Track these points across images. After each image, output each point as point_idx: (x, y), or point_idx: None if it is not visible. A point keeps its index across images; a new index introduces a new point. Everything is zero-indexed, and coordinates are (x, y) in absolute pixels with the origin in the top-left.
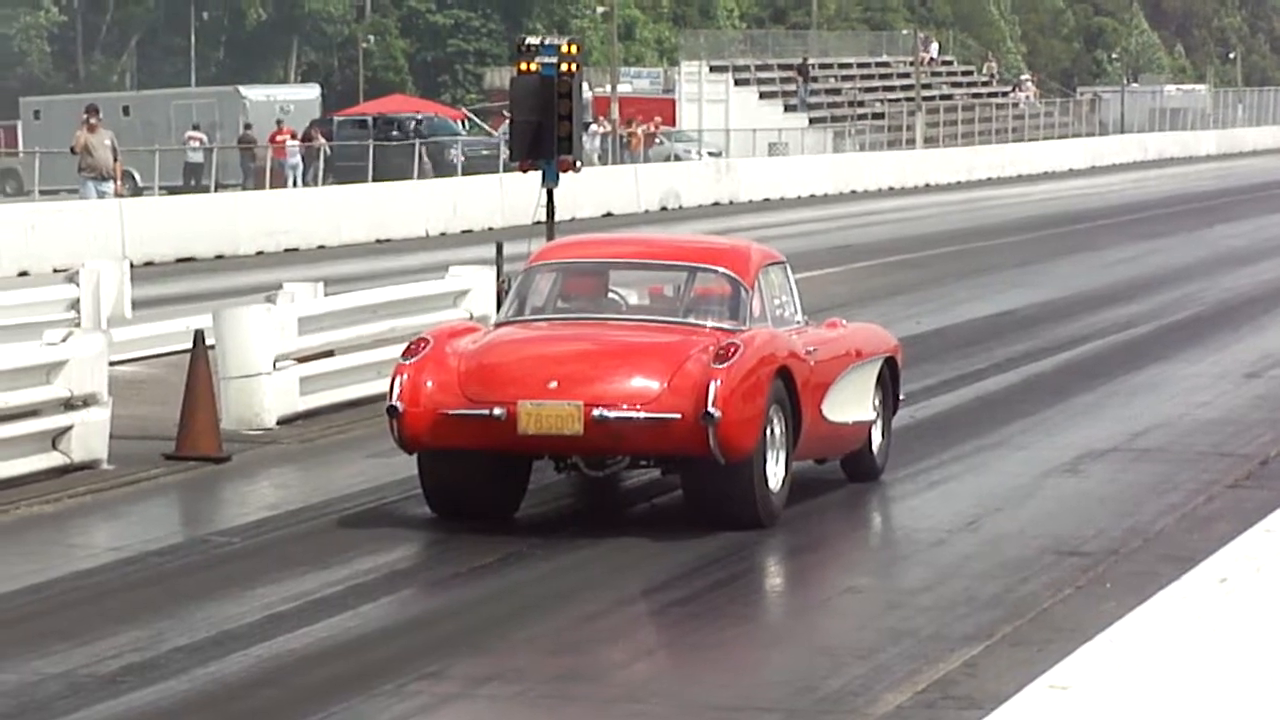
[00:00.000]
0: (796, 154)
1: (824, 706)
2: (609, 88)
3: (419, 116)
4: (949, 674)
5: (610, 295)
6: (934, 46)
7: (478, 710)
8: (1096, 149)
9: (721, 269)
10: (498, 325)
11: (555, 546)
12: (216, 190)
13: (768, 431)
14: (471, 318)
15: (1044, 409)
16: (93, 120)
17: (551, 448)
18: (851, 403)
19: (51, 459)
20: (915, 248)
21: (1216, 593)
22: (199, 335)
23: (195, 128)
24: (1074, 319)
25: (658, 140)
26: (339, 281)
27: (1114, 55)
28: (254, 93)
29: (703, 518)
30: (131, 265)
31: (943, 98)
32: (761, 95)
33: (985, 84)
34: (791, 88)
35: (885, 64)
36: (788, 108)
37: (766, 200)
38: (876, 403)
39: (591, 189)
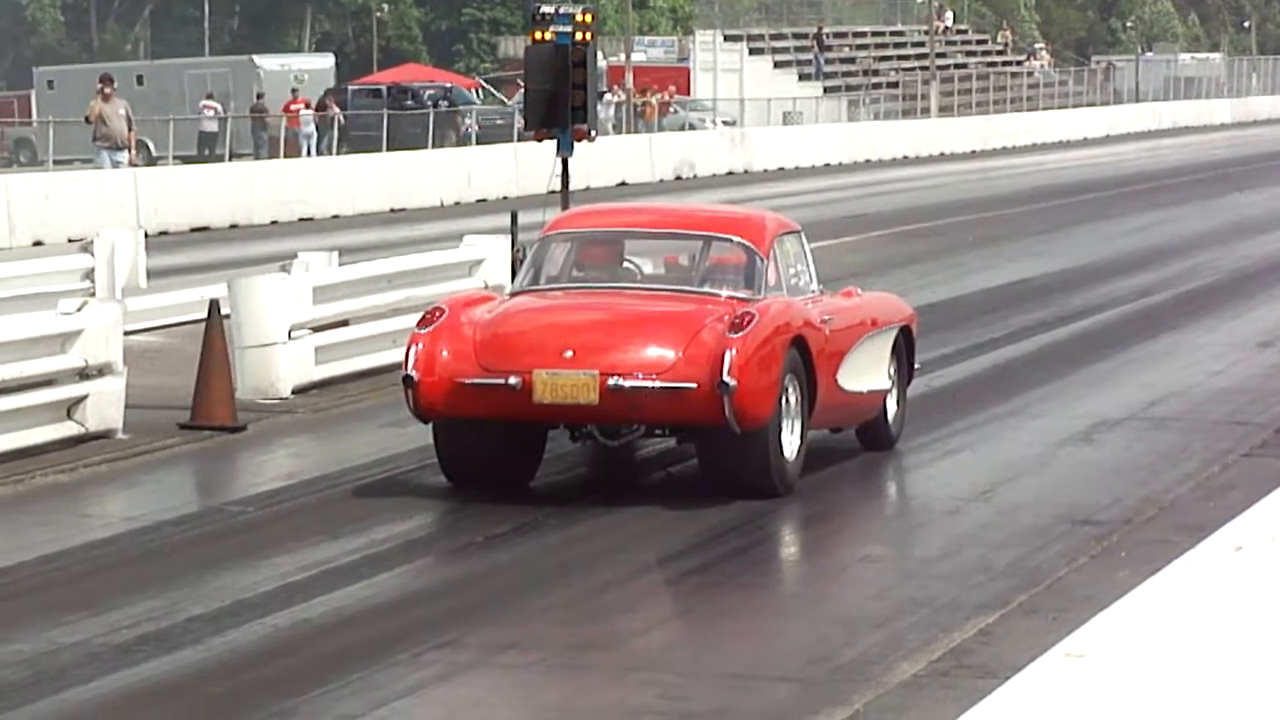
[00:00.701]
0: (811, 123)
1: (840, 675)
2: (623, 57)
3: (447, 86)
4: (964, 643)
5: (625, 264)
6: (949, 15)
7: (494, 679)
8: (1111, 118)
9: (737, 238)
10: (513, 294)
11: (571, 515)
12: (231, 160)
13: (783, 400)
14: (486, 287)
15: (1059, 378)
16: (107, 90)
17: (567, 417)
18: (867, 371)
19: (66, 428)
20: (930, 216)
21: (1232, 561)
22: (214, 305)
23: (209, 97)
24: (1089, 288)
25: (672, 109)
26: (354, 251)
27: (1128, 24)
28: (268, 62)
29: (718, 487)
30: (146, 235)
31: (957, 66)
32: (776, 64)
33: (1000, 53)
34: (806, 56)
35: (900, 33)
36: (802, 77)
37: (781, 169)
38: (892, 371)
39: (606, 158)
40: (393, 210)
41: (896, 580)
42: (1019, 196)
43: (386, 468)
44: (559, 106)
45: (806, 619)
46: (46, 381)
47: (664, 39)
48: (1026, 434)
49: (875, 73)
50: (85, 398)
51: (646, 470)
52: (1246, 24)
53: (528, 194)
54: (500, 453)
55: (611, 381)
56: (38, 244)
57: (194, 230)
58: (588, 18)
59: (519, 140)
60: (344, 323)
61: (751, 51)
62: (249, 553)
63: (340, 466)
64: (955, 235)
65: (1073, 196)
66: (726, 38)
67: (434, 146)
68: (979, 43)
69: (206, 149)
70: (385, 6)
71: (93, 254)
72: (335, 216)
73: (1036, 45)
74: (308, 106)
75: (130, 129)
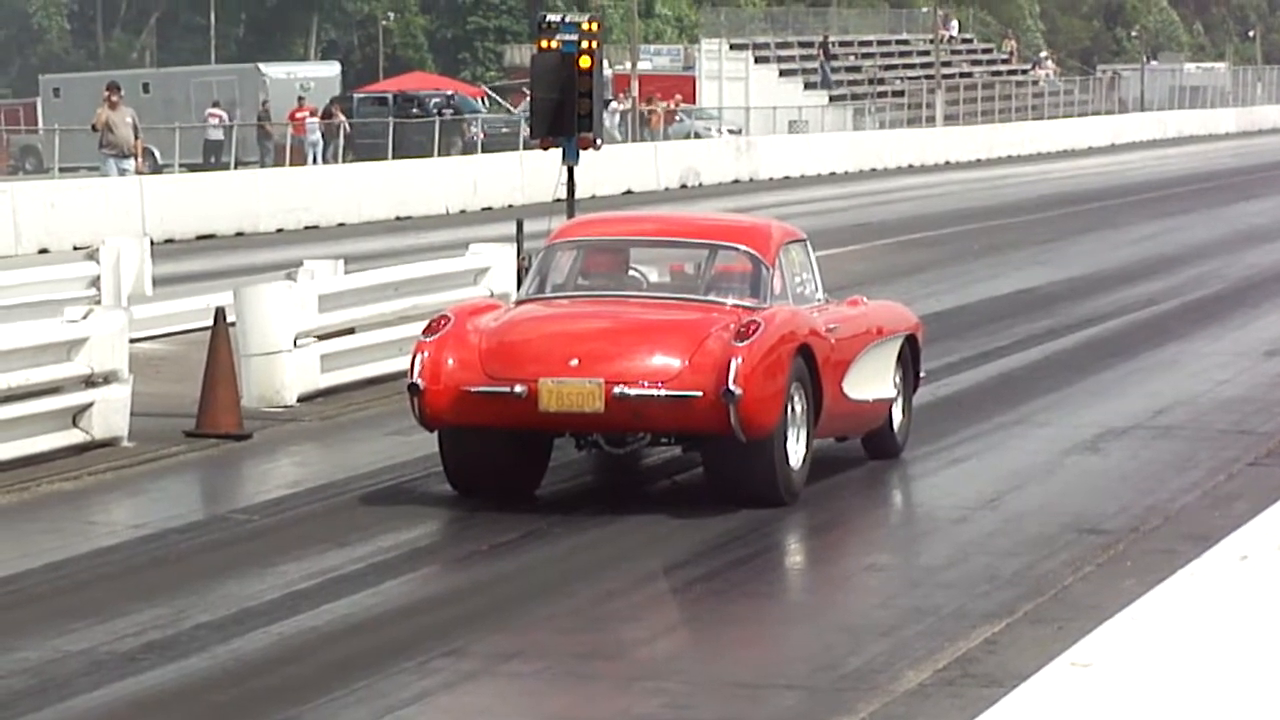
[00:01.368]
0: (816, 131)
1: (845, 684)
2: (629, 65)
3: (449, 94)
4: (970, 651)
5: (631, 273)
6: (954, 24)
7: (499, 687)
8: (1116, 127)
9: (742, 247)
10: (518, 303)
11: (576, 524)
12: (236, 168)
13: (788, 409)
14: (492, 295)
15: (1065, 386)
16: (114, 97)
17: (573, 425)
18: (872, 380)
19: (72, 436)
20: (935, 225)
21: (1237, 570)
22: (220, 312)
23: (215, 105)
24: (1094, 297)
25: (678, 118)
26: (359, 259)
27: (1133, 33)
28: (274, 70)
29: (724, 495)
30: (152, 242)
31: (962, 75)
32: (782, 73)
33: (1005, 62)
34: (812, 65)
35: (905, 42)
36: (808, 85)
37: (786, 178)
38: (897, 380)
39: (612, 167)
40: (398, 218)
41: (902, 589)
42: (1024, 205)
43: (392, 476)
44: (565, 115)
45: (812, 627)
46: (52, 389)
47: (670, 47)
48: (1032, 443)
49: (881, 81)
50: (91, 405)
51: (652, 479)
52: (1251, 33)
53: (533, 202)
54: (506, 461)
55: (617, 390)
56: (44, 251)
57: (200, 238)
58: (594, 26)
59: (525, 148)
60: (349, 331)
61: (757, 60)
62: (255, 561)
63: (346, 474)
64: (960, 244)
65: (1078, 205)
66: (732, 46)
67: (439, 155)
68: (984, 52)
69: (212, 157)
70: (391, 15)
71: (98, 262)
72: (341, 224)
73: (1042, 54)
74: (313, 114)
75: (137, 137)
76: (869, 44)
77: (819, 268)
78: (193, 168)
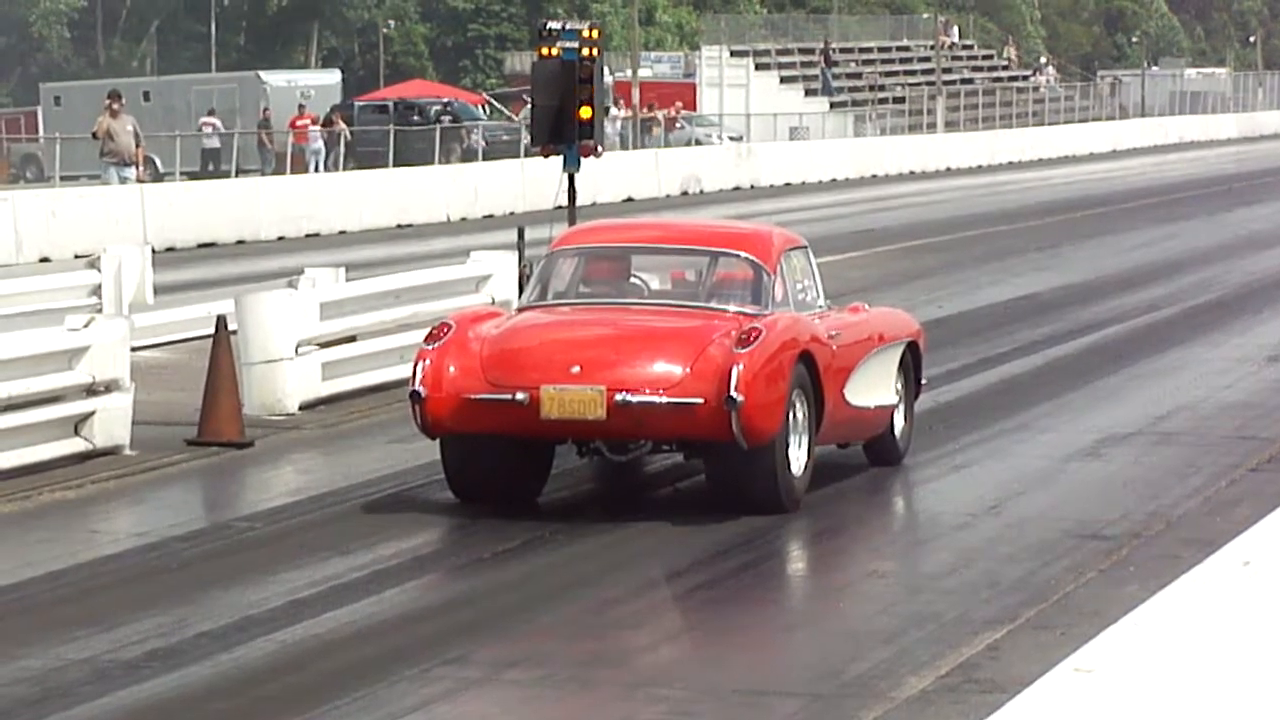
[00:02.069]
0: (817, 138)
1: (848, 690)
2: (630, 72)
3: (447, 101)
4: (972, 657)
5: (632, 280)
6: (954, 31)
7: (501, 695)
8: (1117, 133)
9: (743, 254)
10: (520, 310)
11: (578, 531)
12: (237, 176)
13: (790, 416)
14: (494, 302)
15: (1066, 392)
16: (115, 105)
17: (574, 432)
18: (874, 387)
19: (74, 444)
20: (936, 232)
21: (1240, 576)
22: (221, 320)
23: (210, 113)
24: (1096, 302)
25: (678, 125)
26: (360, 266)
27: (1134, 39)
28: (275, 78)
29: (726, 502)
30: (153, 251)
31: (963, 82)
32: (782, 79)
33: (1005, 68)
34: (813, 72)
35: (906, 48)
36: (809, 92)
37: (787, 185)
38: (899, 387)
39: (612, 174)
40: (399, 226)
41: (904, 595)
42: (1025, 211)
43: (394, 483)
44: (566, 122)
45: (814, 634)
46: (54, 398)
47: (670, 54)
48: (1034, 448)
49: (881, 88)
50: (92, 414)
51: (653, 485)
52: (1252, 39)
53: (534, 209)
54: (507, 468)
55: (619, 397)
56: (45, 260)
57: (201, 246)
58: (594, 34)
59: (526, 156)
60: (351, 338)
61: (758, 67)
62: (256, 569)
63: (348, 482)
64: (962, 251)
65: (1079, 211)
66: (733, 53)
67: (440, 162)
68: (985, 58)
69: (210, 165)
70: (391, 23)
71: (100, 270)
72: (342, 232)
73: (1042, 60)
74: (314, 122)
75: (138, 145)
76: (869, 50)
77: (820, 274)
78: (194, 176)
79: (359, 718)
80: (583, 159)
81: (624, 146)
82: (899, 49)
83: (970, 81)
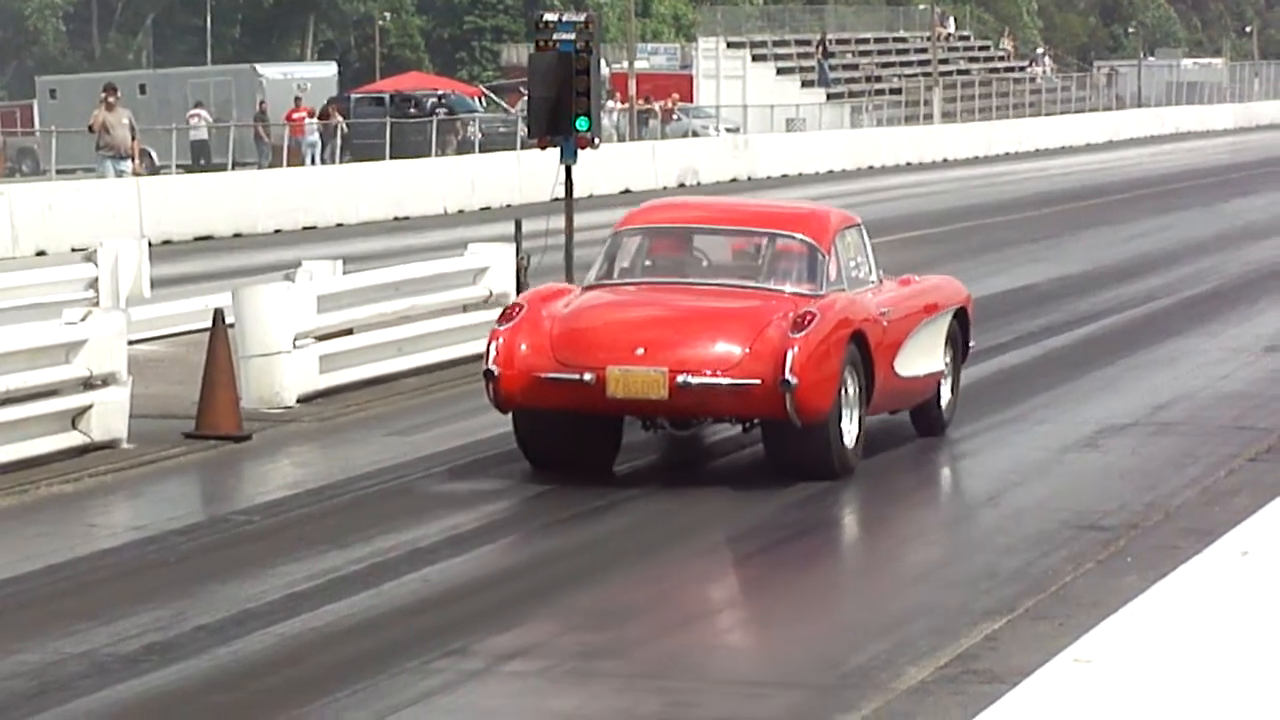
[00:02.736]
0: (814, 130)
1: (848, 681)
2: (626, 64)
3: (443, 93)
4: (971, 648)
5: (693, 258)
6: (951, 22)
7: (501, 687)
8: (1114, 123)
9: (800, 235)
10: (586, 289)
11: (578, 522)
12: (234, 169)
13: (842, 392)
14: (491, 295)
15: (1064, 383)
16: (111, 99)
17: (638, 410)
18: (923, 357)
19: (71, 438)
20: (933, 223)
21: (1238, 566)
22: (218, 314)
23: (198, 105)
24: (1093, 293)
25: (675, 117)
26: (357, 259)
27: (1130, 29)
28: (271, 71)
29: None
30: (150, 244)
31: (960, 73)
32: (779, 71)
33: (1002, 59)
34: (809, 63)
35: (902, 39)
36: (805, 83)
37: (784, 176)
38: (947, 357)
39: (609, 166)
40: (396, 218)
41: (903, 586)
42: (1023, 202)
43: (392, 476)
44: (562, 114)
45: (814, 625)
46: (51, 392)
47: (667, 46)
48: (1032, 439)
49: (878, 79)
50: (90, 408)
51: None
52: (1248, 29)
53: (531, 201)
54: (578, 440)
55: (680, 379)
56: (41, 254)
57: (197, 239)
58: (591, 25)
59: (522, 148)
60: (348, 331)
61: (754, 58)
62: (255, 562)
63: (345, 475)
64: (959, 242)
65: (1076, 202)
66: (729, 44)
67: (437, 154)
68: (981, 49)
69: (201, 158)
70: (388, 15)
71: (96, 263)
72: (339, 225)
73: (1039, 51)
74: (311, 115)
75: (134, 138)
76: (866, 42)
77: (873, 249)
78: (189, 169)
79: (358, 711)
80: (580, 151)
81: (621, 139)
82: (895, 40)
83: (967, 72)
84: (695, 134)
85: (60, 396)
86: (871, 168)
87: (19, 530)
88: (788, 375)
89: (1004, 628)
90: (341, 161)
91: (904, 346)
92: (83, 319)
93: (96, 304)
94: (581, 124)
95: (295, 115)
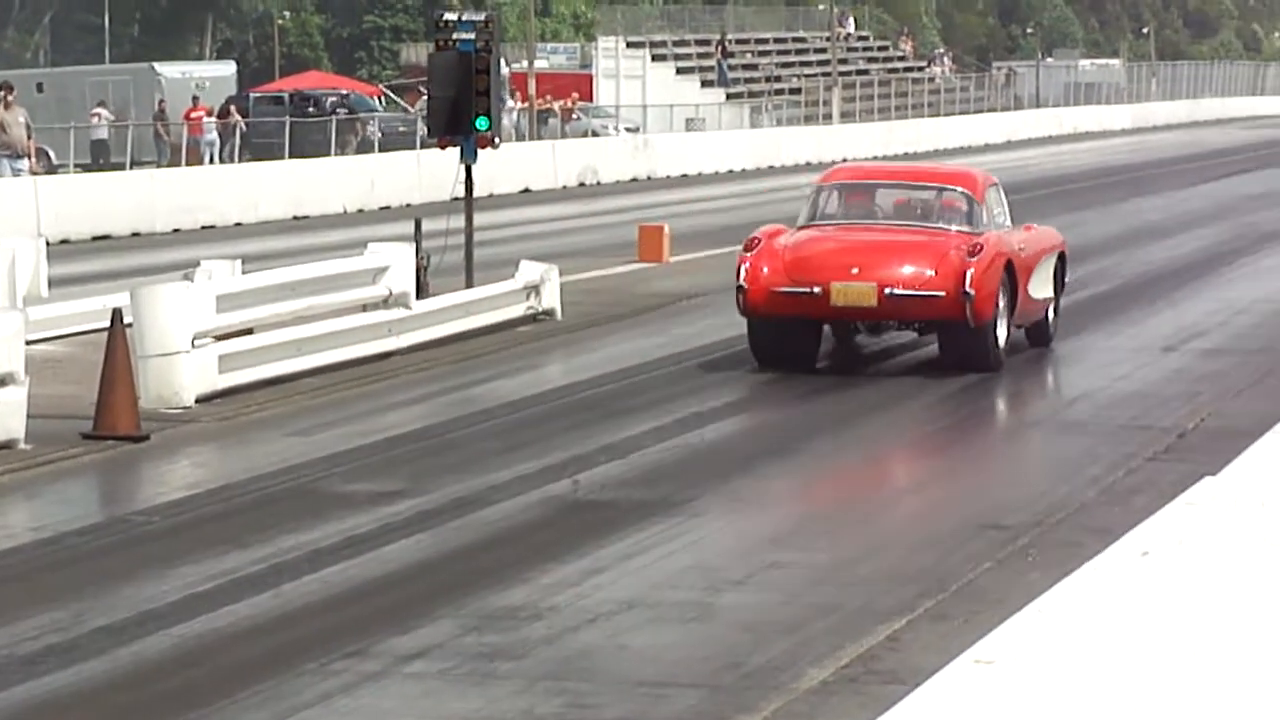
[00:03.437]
0: (714, 129)
1: (748, 682)
2: (526, 63)
3: (344, 93)
4: (872, 648)
5: (878, 206)
6: (850, 22)
7: (401, 688)
8: (1012, 123)
9: (960, 188)
10: (800, 228)
11: (477, 517)
12: (132, 167)
13: (998, 305)
14: (391, 295)
15: (968, 379)
16: (8, 97)
17: (853, 316)
18: (1043, 284)
19: None
20: None
21: (1139, 566)
22: (117, 313)
23: (101, 104)
24: None
25: (575, 116)
26: (257, 259)
27: (1029, 29)
28: (169, 69)
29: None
30: (47, 243)
31: (859, 73)
32: (679, 71)
33: (901, 59)
34: (709, 63)
35: (802, 39)
36: (705, 83)
37: (684, 175)
38: (1052, 287)
39: (509, 165)
40: (295, 218)
41: (805, 586)
42: None
43: (292, 476)
44: (463, 114)
45: (715, 626)
46: None
47: (567, 45)
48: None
49: (778, 79)
50: None
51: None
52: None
53: (431, 201)
54: (796, 342)
55: (887, 290)
56: None
57: (96, 238)
58: (491, 25)
59: (422, 147)
60: (248, 331)
61: (654, 58)
62: (154, 563)
63: (245, 475)
64: None
65: None
66: (629, 44)
67: (336, 154)
68: (881, 49)
69: (100, 158)
70: (286, 14)
71: None
72: (238, 224)
73: (938, 51)
74: (209, 114)
75: (30, 137)
76: (766, 42)
77: (1007, 202)
78: (88, 168)
79: (257, 712)
80: (480, 150)
81: (521, 138)
82: (795, 40)
83: (866, 72)
84: (595, 134)
85: None
86: (772, 167)
87: None
88: (967, 288)
89: (905, 627)
90: (240, 161)
91: (1033, 275)
92: None
93: None
94: (481, 123)
95: (194, 114)
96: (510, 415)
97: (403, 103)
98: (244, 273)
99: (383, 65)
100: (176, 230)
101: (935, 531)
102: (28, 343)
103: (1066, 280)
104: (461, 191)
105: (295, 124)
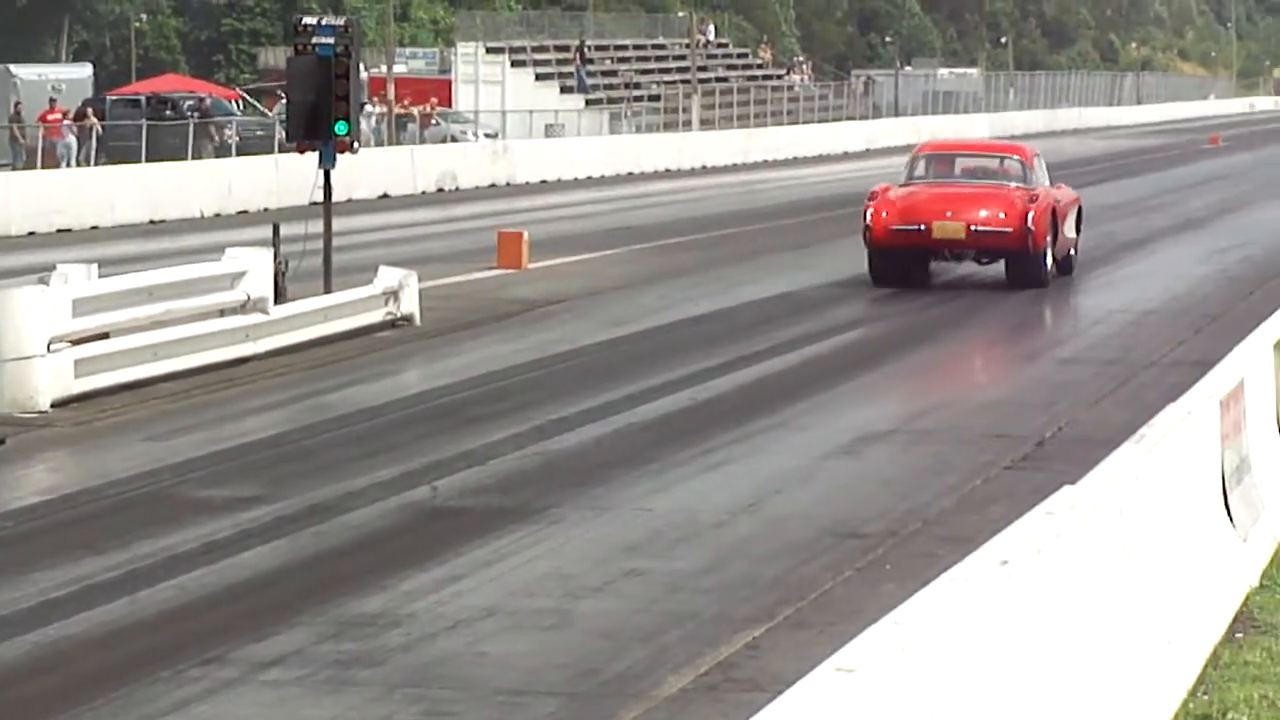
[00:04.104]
0: (573, 135)
1: (607, 690)
2: (385, 68)
3: (201, 96)
4: (731, 656)
5: (958, 169)
6: (710, 29)
7: (258, 696)
8: (871, 131)
9: (1016, 157)
10: (903, 185)
11: (327, 531)
12: None
13: (1049, 239)
14: (249, 299)
15: (823, 391)
16: None
17: (948, 246)
18: (1072, 227)
19: None
20: (692, 230)
21: (998, 575)
22: None
23: None
24: (852, 300)
25: (434, 122)
26: (113, 263)
27: (887, 39)
28: (25, 71)
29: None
30: None
31: (719, 80)
32: (538, 77)
33: (760, 67)
34: (568, 69)
35: (661, 46)
36: (564, 89)
37: (544, 182)
38: (1075, 232)
39: (368, 170)
40: (152, 221)
41: (662, 594)
42: (780, 210)
43: (148, 482)
44: (321, 118)
45: (573, 633)
46: None
47: (426, 50)
48: (791, 446)
49: (637, 86)
50: None
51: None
52: (1003, 40)
53: (289, 205)
54: (909, 267)
55: (973, 228)
56: None
57: None
58: (350, 29)
59: (280, 151)
60: (104, 335)
61: (513, 64)
62: (8, 569)
63: (101, 480)
64: (718, 249)
65: (834, 210)
66: (488, 50)
67: (194, 158)
68: (740, 56)
69: None
70: (144, 16)
71: None
72: (94, 228)
73: (797, 59)
74: (66, 116)
75: None
76: (625, 48)
77: (1047, 167)
78: None
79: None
80: (338, 155)
81: (379, 143)
82: (654, 47)
83: (725, 80)
84: (454, 139)
85: None
86: (631, 174)
87: None
88: (1029, 225)
89: (764, 635)
90: (97, 164)
91: (1065, 220)
92: None
93: None
94: (340, 128)
95: (50, 117)
96: (368, 421)
97: (261, 107)
98: (101, 277)
99: (241, 69)
100: (31, 233)
101: (794, 540)
102: None
103: (1082, 228)
104: (320, 196)
105: (152, 127)
